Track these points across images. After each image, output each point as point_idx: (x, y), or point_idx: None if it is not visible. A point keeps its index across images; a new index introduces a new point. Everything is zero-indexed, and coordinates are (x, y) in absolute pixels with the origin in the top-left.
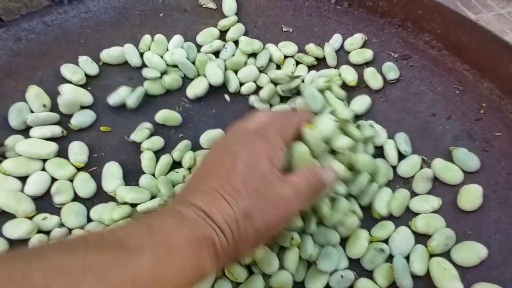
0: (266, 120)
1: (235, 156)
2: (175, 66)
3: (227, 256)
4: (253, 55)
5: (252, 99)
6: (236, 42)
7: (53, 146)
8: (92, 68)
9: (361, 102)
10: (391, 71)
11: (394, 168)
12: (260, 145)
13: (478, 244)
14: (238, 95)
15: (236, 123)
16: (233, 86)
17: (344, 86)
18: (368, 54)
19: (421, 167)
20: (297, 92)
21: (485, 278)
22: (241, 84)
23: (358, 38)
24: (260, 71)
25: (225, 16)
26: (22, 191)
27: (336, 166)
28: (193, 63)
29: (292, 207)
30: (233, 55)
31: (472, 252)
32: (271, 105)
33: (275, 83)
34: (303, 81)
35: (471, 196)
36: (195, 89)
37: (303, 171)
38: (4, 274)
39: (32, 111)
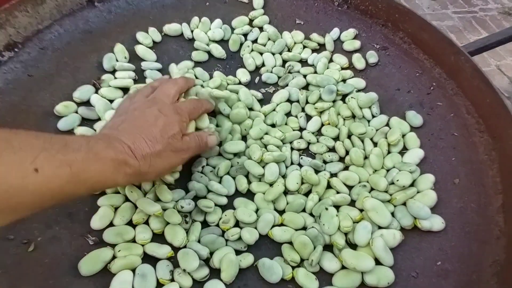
0: (185, 101)
1: (158, 117)
2: (215, 41)
3: (137, 177)
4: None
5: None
6: (261, 28)
7: (131, 82)
8: (157, 36)
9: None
10: (372, 57)
11: (369, 122)
12: (175, 117)
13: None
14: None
15: (157, 89)
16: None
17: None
18: (357, 44)
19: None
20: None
21: None
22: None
23: (351, 32)
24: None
25: (254, 9)
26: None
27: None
28: (228, 40)
29: (184, 157)
30: (257, 38)
31: None
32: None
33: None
34: (290, 72)
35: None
36: None
37: (194, 134)
38: None
39: (117, 60)
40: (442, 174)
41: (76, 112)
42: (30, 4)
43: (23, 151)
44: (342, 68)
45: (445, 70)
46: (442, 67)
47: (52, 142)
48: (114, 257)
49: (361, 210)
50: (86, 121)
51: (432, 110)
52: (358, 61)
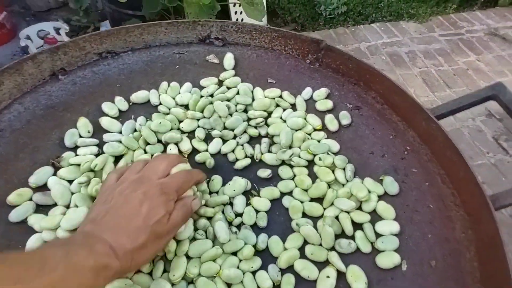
0: (174, 176)
1: (142, 202)
2: (184, 105)
3: (118, 275)
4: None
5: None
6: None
7: (92, 159)
8: (123, 105)
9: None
10: (345, 118)
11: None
12: (161, 199)
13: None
14: None
15: (142, 163)
16: None
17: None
18: (329, 104)
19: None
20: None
21: None
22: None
23: (323, 91)
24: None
25: (225, 69)
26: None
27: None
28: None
29: (171, 236)
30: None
31: None
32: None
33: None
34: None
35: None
36: None
37: (179, 205)
38: None
39: (80, 136)
40: (419, 255)
41: (31, 199)
42: None
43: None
44: (315, 130)
45: (418, 134)
46: (415, 130)
47: (28, 266)
48: None
49: None
50: (42, 208)
51: (407, 177)
52: (331, 123)
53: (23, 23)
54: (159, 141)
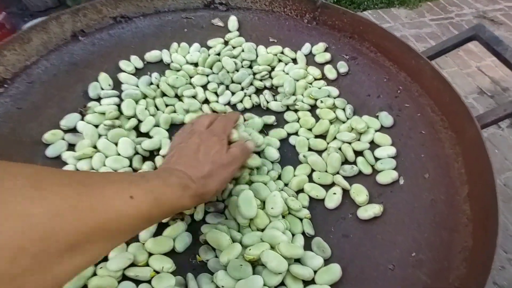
0: (215, 122)
1: (198, 145)
2: (193, 63)
3: (198, 198)
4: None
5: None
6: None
7: (114, 108)
8: (139, 63)
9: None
10: (342, 67)
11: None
12: (213, 139)
13: None
14: None
15: (194, 123)
16: None
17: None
18: (327, 56)
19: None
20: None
21: None
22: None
23: (321, 45)
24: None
25: (230, 31)
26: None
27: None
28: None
29: (234, 167)
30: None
31: None
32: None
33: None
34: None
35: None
36: None
37: (236, 143)
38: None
39: (102, 88)
40: (414, 170)
41: (63, 139)
42: (18, 43)
43: (119, 183)
44: (316, 79)
45: (408, 74)
46: (406, 71)
47: (135, 176)
48: (94, 274)
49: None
50: (73, 146)
51: (400, 111)
52: (330, 72)
53: (22, 24)
54: (176, 95)
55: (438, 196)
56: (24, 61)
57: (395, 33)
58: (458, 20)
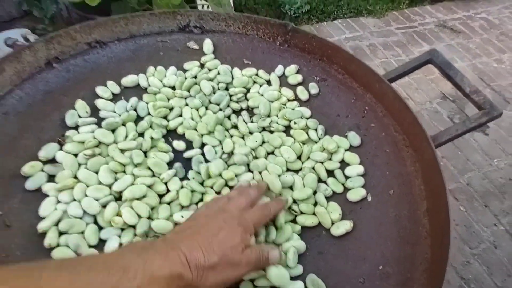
0: (253, 209)
1: (219, 228)
2: (171, 87)
3: None
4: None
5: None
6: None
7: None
8: (116, 89)
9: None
10: (313, 88)
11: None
12: (238, 229)
13: None
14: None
15: (231, 198)
16: None
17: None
18: (299, 77)
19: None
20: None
21: None
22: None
23: (293, 67)
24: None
25: (205, 54)
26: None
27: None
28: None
29: (241, 272)
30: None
31: None
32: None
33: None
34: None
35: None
36: None
37: (256, 247)
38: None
39: (79, 116)
40: (380, 187)
41: (43, 170)
42: None
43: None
44: (289, 100)
45: (374, 95)
46: (371, 93)
47: (111, 273)
48: None
49: None
50: (53, 178)
51: (367, 131)
52: (302, 93)
53: None
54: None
55: (402, 212)
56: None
57: (364, 42)
58: (422, 29)
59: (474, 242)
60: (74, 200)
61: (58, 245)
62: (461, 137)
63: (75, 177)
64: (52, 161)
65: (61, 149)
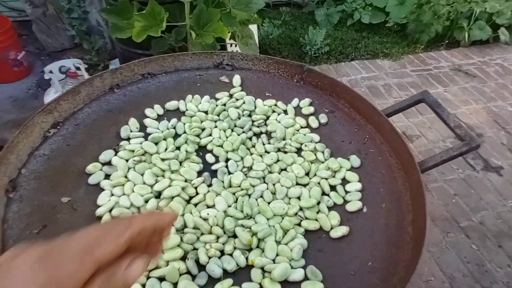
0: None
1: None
2: (204, 112)
3: None
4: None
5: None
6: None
7: (140, 147)
8: (160, 111)
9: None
10: (323, 118)
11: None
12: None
13: None
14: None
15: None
16: None
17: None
18: (311, 109)
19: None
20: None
21: None
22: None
23: (307, 100)
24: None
25: (234, 86)
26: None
27: None
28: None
29: None
30: (237, 107)
31: None
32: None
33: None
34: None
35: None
36: None
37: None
38: None
39: (131, 131)
40: (374, 201)
41: (101, 170)
42: (71, 94)
43: None
44: (302, 127)
45: (374, 126)
46: (372, 124)
47: None
48: None
49: None
50: (108, 176)
51: (367, 155)
52: (313, 122)
53: (38, 62)
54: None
55: (391, 221)
56: (73, 108)
57: (380, 82)
58: (436, 72)
59: (487, 281)
60: (124, 194)
61: None
62: (475, 176)
63: (126, 177)
64: (109, 163)
65: (116, 155)
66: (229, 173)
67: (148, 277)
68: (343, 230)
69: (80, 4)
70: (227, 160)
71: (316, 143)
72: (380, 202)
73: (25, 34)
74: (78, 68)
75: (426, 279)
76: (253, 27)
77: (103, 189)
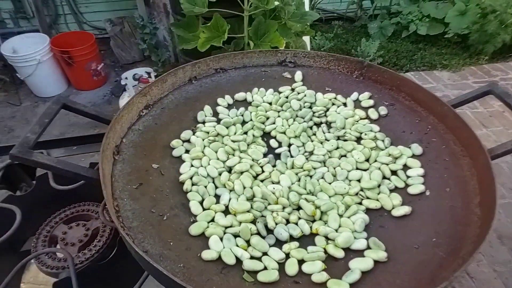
0: None
1: None
2: (269, 103)
3: None
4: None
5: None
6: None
7: (213, 129)
8: (230, 101)
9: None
10: (383, 110)
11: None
12: None
13: None
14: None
15: None
16: None
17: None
18: (371, 102)
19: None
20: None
21: None
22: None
23: (366, 94)
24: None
25: (295, 81)
26: None
27: None
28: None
29: None
30: (298, 99)
31: None
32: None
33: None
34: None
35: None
36: None
37: None
38: None
39: (205, 116)
40: (438, 186)
41: (182, 145)
42: (159, 82)
43: None
44: (361, 118)
45: (436, 117)
46: (434, 115)
47: None
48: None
49: None
50: (188, 151)
51: (429, 144)
52: (373, 113)
53: (112, 73)
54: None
55: (457, 203)
56: (160, 94)
57: (438, 93)
58: (503, 83)
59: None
60: (202, 166)
61: (191, 190)
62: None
63: (203, 152)
64: (188, 141)
65: (193, 135)
66: (291, 156)
67: (224, 233)
68: (405, 209)
69: (152, 21)
70: (289, 145)
71: (375, 132)
72: (444, 186)
73: (103, 49)
74: (149, 76)
75: None
76: (306, 39)
77: (184, 161)
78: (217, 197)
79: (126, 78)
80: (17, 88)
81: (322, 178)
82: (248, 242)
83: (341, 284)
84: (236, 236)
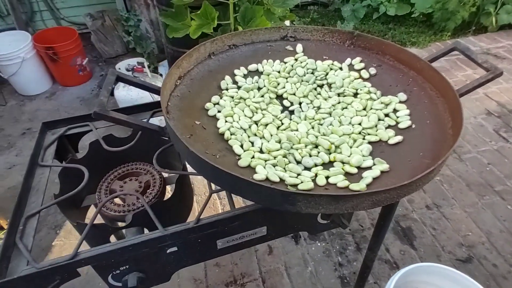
0: None
1: None
2: (277, 71)
3: None
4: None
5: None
6: (301, 62)
7: (236, 94)
8: (245, 71)
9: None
10: (372, 70)
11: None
12: None
13: None
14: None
15: None
16: None
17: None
18: (362, 65)
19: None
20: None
21: None
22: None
23: (357, 59)
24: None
25: (297, 53)
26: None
27: None
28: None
29: None
30: (302, 67)
31: None
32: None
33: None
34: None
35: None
36: None
37: None
38: None
39: (227, 84)
40: (420, 120)
41: (214, 107)
42: (187, 56)
43: None
44: (355, 78)
45: (416, 71)
46: (414, 70)
47: None
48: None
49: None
50: (219, 112)
51: (411, 92)
52: (364, 74)
53: (97, 68)
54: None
55: (435, 130)
56: (189, 67)
57: None
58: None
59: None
60: (234, 121)
61: (231, 138)
62: (508, 147)
63: (232, 111)
64: (217, 104)
65: (221, 99)
66: (303, 111)
67: (265, 163)
68: (398, 138)
69: (136, 13)
70: (300, 104)
71: (369, 88)
72: (425, 120)
73: (83, 44)
74: (142, 66)
75: (464, 234)
76: (287, 23)
77: (218, 119)
78: (251, 143)
79: (119, 69)
80: (0, 87)
81: (331, 125)
82: (284, 169)
83: (359, 185)
84: (274, 165)
